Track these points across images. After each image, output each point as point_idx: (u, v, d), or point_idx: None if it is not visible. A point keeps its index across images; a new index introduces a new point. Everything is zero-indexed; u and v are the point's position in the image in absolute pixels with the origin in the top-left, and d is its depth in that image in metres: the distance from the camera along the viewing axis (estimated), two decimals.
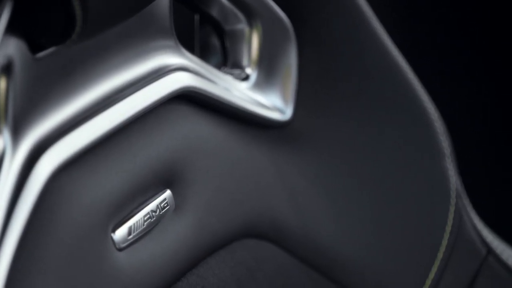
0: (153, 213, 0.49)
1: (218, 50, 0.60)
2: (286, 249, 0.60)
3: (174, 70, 0.52)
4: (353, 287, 0.61)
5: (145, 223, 0.49)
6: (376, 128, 0.62)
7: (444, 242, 0.61)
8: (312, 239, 0.61)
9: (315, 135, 0.62)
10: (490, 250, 0.62)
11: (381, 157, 0.63)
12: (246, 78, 0.59)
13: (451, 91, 1.01)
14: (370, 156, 0.62)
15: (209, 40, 0.59)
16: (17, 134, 0.43)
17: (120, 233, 0.47)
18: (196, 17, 0.59)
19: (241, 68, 0.59)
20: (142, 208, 0.49)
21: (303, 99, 0.62)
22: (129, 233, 0.48)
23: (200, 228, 0.53)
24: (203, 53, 0.59)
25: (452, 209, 0.62)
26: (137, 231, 0.48)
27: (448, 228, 0.62)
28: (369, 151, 0.62)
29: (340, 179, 0.62)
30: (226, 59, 0.59)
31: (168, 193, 0.51)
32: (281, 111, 0.60)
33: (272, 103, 0.60)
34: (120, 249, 0.47)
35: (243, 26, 0.59)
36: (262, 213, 0.57)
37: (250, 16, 0.59)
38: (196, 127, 0.54)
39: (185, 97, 0.54)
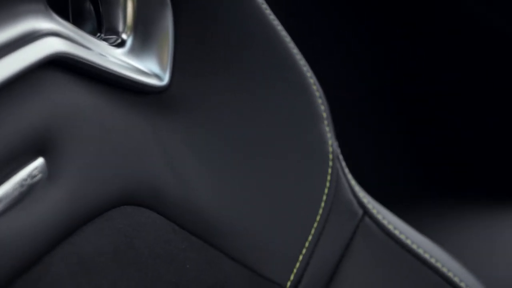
0: (24, 182, 0.48)
1: (92, 15, 0.58)
2: (166, 215, 0.60)
3: (44, 35, 0.51)
4: (232, 251, 0.62)
5: (16, 193, 0.48)
6: (254, 92, 0.63)
7: (322, 204, 0.62)
8: (192, 205, 0.61)
9: (194, 101, 0.62)
10: (366, 211, 0.63)
11: (259, 121, 0.63)
12: (121, 44, 0.58)
13: (328, 54, 1.02)
14: (249, 121, 0.63)
15: (82, 5, 0.58)
16: None
17: None
18: None
19: (117, 33, 0.58)
20: (11, 177, 0.48)
21: (181, 65, 0.61)
22: None
23: (75, 196, 0.52)
24: (77, 19, 0.58)
25: (329, 171, 0.63)
26: (7, 201, 0.47)
27: (326, 190, 0.63)
28: (247, 116, 0.63)
29: (219, 144, 0.63)
30: (101, 25, 0.58)
31: (40, 161, 0.50)
32: (158, 76, 0.60)
33: (149, 69, 0.59)
34: None
35: None
36: (140, 180, 0.57)
37: None
38: (70, 94, 0.53)
39: (57, 64, 0.52)
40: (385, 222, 0.63)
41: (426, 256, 0.62)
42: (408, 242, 0.62)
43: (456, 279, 0.61)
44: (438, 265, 0.62)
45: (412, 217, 0.76)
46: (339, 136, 0.66)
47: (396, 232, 0.63)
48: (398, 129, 1.06)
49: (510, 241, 0.85)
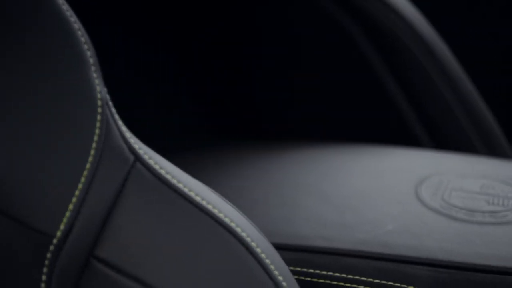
0: None
1: None
2: None
3: None
4: (1, 204, 0.61)
5: None
6: (16, 39, 0.61)
7: (92, 151, 0.61)
8: None
9: None
10: (138, 157, 0.62)
11: (23, 68, 0.61)
12: None
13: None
14: (11, 68, 0.61)
15: None
16: None
17: None
18: None
19: None
20: None
21: None
22: None
23: None
24: None
25: (99, 117, 0.62)
26: None
27: (96, 138, 0.62)
28: (9, 63, 0.61)
29: None
30: None
31: None
32: None
33: None
34: None
35: None
36: None
37: None
38: None
39: None
40: (157, 167, 0.62)
41: (198, 198, 0.61)
42: (180, 185, 0.62)
43: (227, 220, 0.61)
44: (210, 207, 0.61)
45: (186, 162, 0.76)
46: (110, 82, 0.65)
47: (168, 177, 0.62)
48: (170, 73, 1.05)
49: (285, 183, 0.85)
